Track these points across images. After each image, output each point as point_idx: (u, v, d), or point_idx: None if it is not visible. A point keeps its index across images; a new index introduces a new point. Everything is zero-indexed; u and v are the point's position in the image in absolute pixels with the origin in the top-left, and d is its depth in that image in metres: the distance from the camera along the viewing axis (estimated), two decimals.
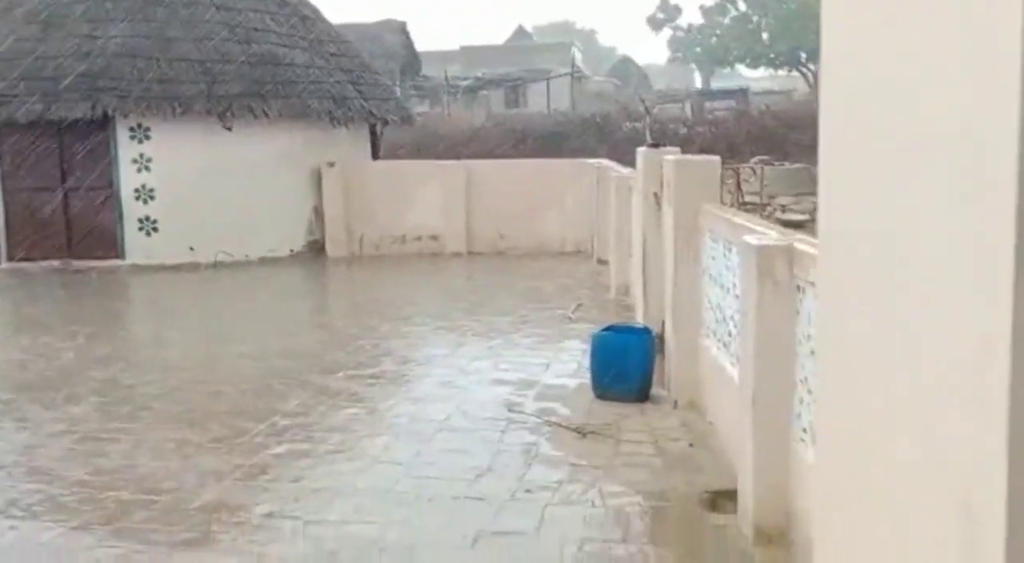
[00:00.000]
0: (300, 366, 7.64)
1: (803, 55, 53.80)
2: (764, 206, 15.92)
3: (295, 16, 14.94)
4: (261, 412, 6.32)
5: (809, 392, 3.85)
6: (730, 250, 5.23)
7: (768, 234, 4.38)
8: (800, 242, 4.04)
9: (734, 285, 5.14)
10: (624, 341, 6.52)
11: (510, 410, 6.23)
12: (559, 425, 5.87)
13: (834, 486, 1.53)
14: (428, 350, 8.38)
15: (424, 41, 54.32)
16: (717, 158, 6.30)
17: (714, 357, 5.63)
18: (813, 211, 17.47)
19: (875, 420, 1.31)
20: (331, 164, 14.01)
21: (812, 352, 3.78)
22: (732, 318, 5.19)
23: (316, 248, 14.12)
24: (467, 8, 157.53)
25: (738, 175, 13.19)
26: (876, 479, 1.32)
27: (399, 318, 9.66)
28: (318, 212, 14.13)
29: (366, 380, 7.18)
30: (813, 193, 18.54)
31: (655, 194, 7.19)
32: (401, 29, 33.59)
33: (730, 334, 5.25)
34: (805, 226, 16.33)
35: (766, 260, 4.03)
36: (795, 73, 56.89)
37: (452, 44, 63.43)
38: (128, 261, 12.95)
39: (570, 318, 9.23)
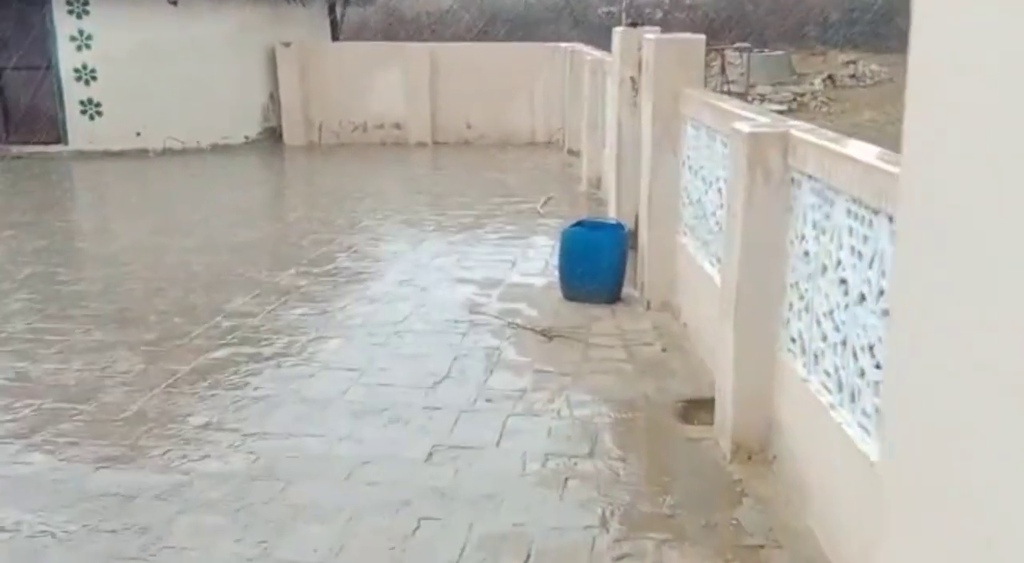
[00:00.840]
0: (249, 261, 7.15)
1: None
2: (744, 94, 15.33)
3: None
4: (203, 312, 5.87)
5: (801, 298, 3.44)
6: (714, 139, 4.74)
7: (759, 120, 3.89)
8: (797, 129, 3.56)
9: (717, 178, 4.67)
10: (595, 237, 6.08)
11: (472, 311, 5.82)
12: (524, 328, 5.48)
13: (906, 479, 1.13)
14: (386, 246, 7.89)
15: None
16: (701, 37, 5.73)
17: (692, 256, 5.22)
18: (792, 101, 17.03)
19: (963, 405, 0.99)
20: (286, 44, 13.15)
21: (806, 254, 3.36)
22: (714, 214, 4.74)
23: (273, 136, 13.41)
24: None
25: (723, 58, 12.52)
26: (958, 474, 0.94)
27: (357, 211, 9.13)
28: (274, 97, 13.35)
29: (319, 277, 6.71)
30: (792, 82, 18.03)
31: (632, 78, 6.63)
32: None
33: (711, 231, 4.81)
34: (783, 115, 15.87)
35: (758, 148, 3.56)
36: None
37: None
38: (70, 147, 12.21)
39: (539, 212, 8.77)
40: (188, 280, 6.68)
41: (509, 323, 5.56)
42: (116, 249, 7.90)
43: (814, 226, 3.28)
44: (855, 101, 16.72)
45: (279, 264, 7.07)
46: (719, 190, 4.60)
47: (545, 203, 9.06)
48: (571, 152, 11.67)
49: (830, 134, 3.40)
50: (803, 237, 3.40)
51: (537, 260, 7.06)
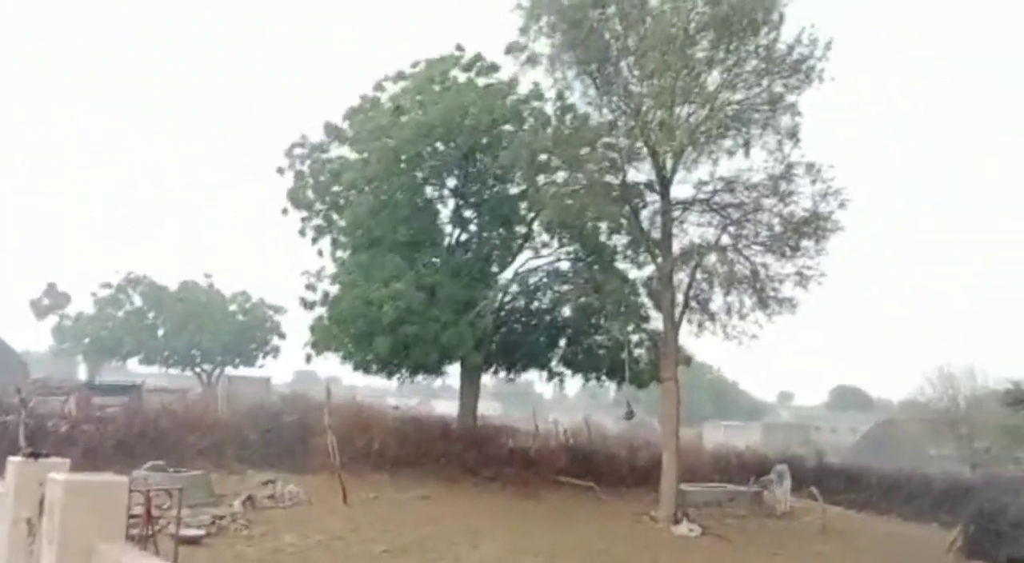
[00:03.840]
0: None
1: (198, 355, 53.71)
2: (157, 519, 13.93)
3: None
4: None
5: None
6: None
7: None
8: None
9: None
10: None
11: None
12: None
13: None
14: None
15: None
16: (124, 479, 4.82)
17: None
18: (211, 524, 15.99)
19: None
20: None
21: None
22: None
23: None
24: None
25: (149, 498, 11.28)
26: None
27: None
28: None
29: None
30: (211, 503, 17.12)
31: (29, 521, 5.31)
32: None
33: None
34: (202, 542, 14.66)
35: None
36: (189, 372, 56.28)
37: None
38: None
39: None
40: None
41: None
42: None
43: None
44: (275, 523, 16.33)
45: None
46: None
47: None
48: None
49: None
50: None
51: None
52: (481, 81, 24.94)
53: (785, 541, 19.79)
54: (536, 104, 24.59)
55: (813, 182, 20.46)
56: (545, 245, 25.61)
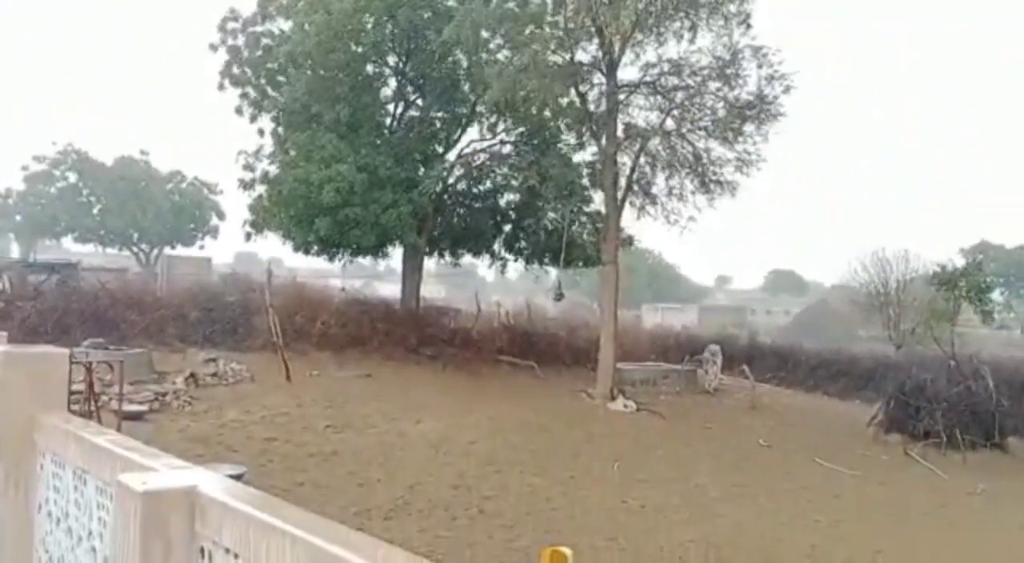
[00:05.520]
0: None
1: (136, 234, 52.73)
2: (98, 396, 13.99)
3: None
4: None
5: None
6: (84, 482, 3.80)
7: (156, 469, 3.14)
8: (207, 484, 2.90)
9: (90, 532, 3.69)
10: None
11: None
12: None
13: None
14: None
15: None
16: (65, 351, 4.82)
17: None
18: (154, 400, 16.13)
19: None
20: None
21: None
22: None
23: None
24: None
25: (90, 371, 11.25)
26: None
27: None
28: None
29: None
30: (153, 380, 17.22)
31: None
32: None
33: None
34: (144, 417, 14.81)
35: (155, 512, 2.79)
36: (127, 252, 55.37)
37: None
38: None
39: None
40: None
41: None
42: None
43: None
44: (219, 400, 16.53)
45: None
46: (93, 548, 3.61)
47: None
48: None
49: (252, 492, 2.82)
50: None
51: None
52: None
53: (716, 416, 20.70)
54: None
55: (759, 66, 20.43)
56: (490, 128, 25.30)
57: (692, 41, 20.38)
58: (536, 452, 15.15)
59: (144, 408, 15.07)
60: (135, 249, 54.24)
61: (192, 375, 17.81)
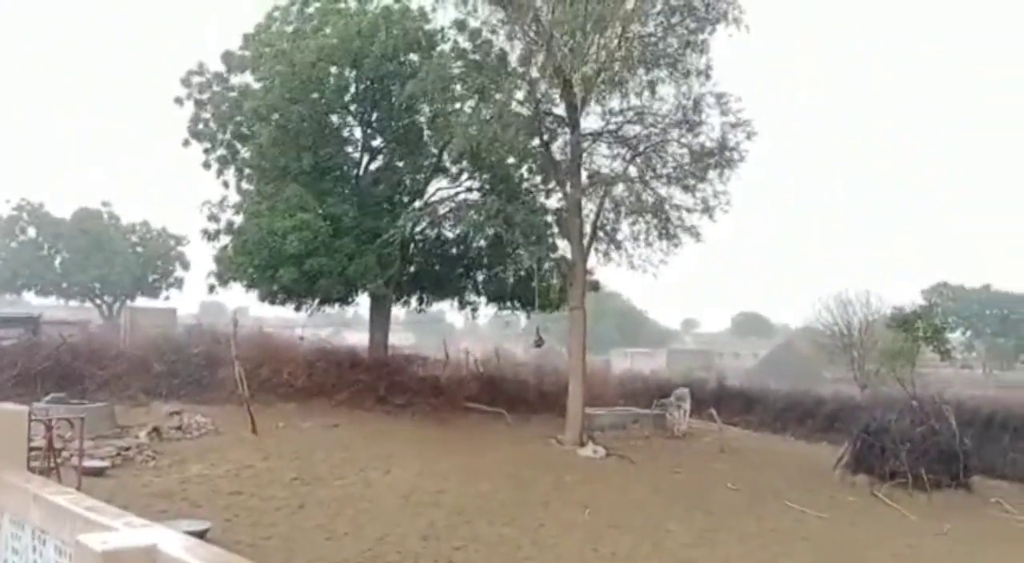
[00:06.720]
0: None
1: (98, 286, 52.16)
2: (59, 452, 13.74)
3: None
4: None
5: None
6: (43, 543, 3.75)
7: (116, 529, 3.13)
8: (167, 543, 2.89)
9: None
10: None
11: None
12: None
13: None
14: None
15: None
16: (24, 409, 4.79)
17: None
18: (115, 456, 15.83)
19: None
20: None
21: None
22: None
23: None
24: None
25: (50, 428, 11.06)
26: None
27: None
28: None
29: None
30: (115, 435, 16.92)
31: None
32: None
33: None
34: (106, 473, 14.51)
35: None
36: (89, 304, 54.71)
37: None
38: None
39: None
40: None
41: None
42: None
43: None
44: (183, 454, 16.28)
45: None
46: None
47: None
48: None
49: (212, 550, 2.82)
50: None
51: None
52: (391, 3, 24.35)
53: (685, 460, 20.71)
54: (451, 32, 24.15)
55: (723, 113, 20.87)
56: (455, 177, 25.47)
57: (652, 95, 20.80)
58: (506, 501, 15.05)
59: (106, 464, 14.81)
60: (98, 301, 53.60)
61: (156, 429, 17.55)
